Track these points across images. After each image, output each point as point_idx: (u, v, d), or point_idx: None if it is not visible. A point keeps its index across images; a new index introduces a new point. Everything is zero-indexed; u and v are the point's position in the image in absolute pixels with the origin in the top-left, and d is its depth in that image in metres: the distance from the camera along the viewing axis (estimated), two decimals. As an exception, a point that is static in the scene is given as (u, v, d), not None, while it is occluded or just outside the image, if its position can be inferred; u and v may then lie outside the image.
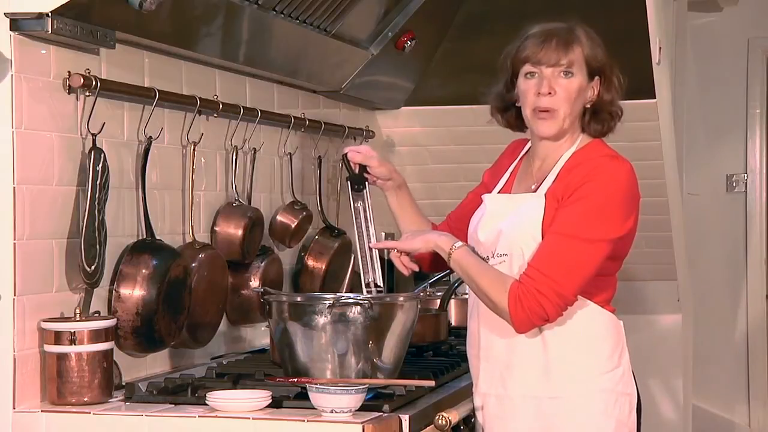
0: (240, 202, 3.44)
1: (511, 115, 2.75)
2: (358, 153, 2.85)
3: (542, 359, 2.61)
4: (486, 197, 2.74)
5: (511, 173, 2.77)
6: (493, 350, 2.67)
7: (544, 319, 2.54)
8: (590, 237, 2.54)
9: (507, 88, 2.71)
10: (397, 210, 2.91)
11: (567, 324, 2.59)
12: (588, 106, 2.66)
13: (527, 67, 2.63)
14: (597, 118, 2.67)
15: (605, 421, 2.61)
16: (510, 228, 2.62)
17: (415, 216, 2.92)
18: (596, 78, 2.65)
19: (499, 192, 2.75)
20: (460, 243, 2.64)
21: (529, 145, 2.77)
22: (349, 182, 2.87)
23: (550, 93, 2.61)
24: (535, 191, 2.64)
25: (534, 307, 2.51)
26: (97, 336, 2.64)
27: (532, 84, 2.62)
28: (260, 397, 2.58)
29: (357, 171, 2.86)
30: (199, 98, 3.17)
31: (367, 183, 2.86)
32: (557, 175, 2.62)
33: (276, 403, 2.59)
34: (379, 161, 2.86)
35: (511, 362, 2.64)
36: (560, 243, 2.54)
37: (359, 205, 2.86)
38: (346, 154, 2.86)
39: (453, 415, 2.66)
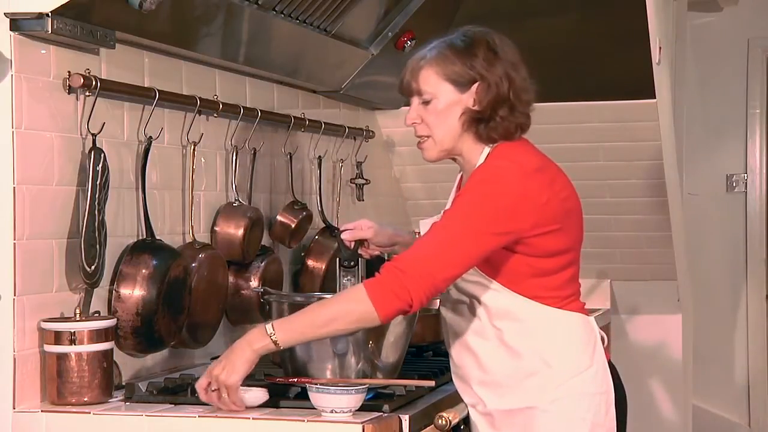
0: (240, 202, 3.44)
1: None
2: (351, 231, 2.81)
3: (510, 371, 2.58)
4: (421, 223, 2.71)
5: (454, 192, 2.74)
6: (465, 368, 2.66)
7: (407, 301, 2.43)
8: (464, 227, 2.45)
9: None
10: None
11: (527, 333, 2.55)
12: (471, 115, 2.57)
13: None
14: (487, 125, 2.57)
15: (579, 425, 2.57)
16: None
17: None
18: (474, 85, 2.56)
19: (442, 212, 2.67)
20: (269, 326, 2.48)
21: None
22: (338, 259, 2.81)
23: (415, 122, 2.62)
24: None
25: (395, 287, 2.41)
26: (97, 336, 2.64)
27: None
28: (260, 397, 2.58)
29: (352, 246, 2.80)
30: (199, 98, 3.17)
31: (360, 259, 2.79)
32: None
33: (276, 403, 2.59)
34: (376, 231, 2.81)
35: (481, 378, 2.62)
36: (432, 232, 2.50)
37: (347, 281, 2.81)
38: (340, 232, 2.82)
39: (453, 415, 2.66)
